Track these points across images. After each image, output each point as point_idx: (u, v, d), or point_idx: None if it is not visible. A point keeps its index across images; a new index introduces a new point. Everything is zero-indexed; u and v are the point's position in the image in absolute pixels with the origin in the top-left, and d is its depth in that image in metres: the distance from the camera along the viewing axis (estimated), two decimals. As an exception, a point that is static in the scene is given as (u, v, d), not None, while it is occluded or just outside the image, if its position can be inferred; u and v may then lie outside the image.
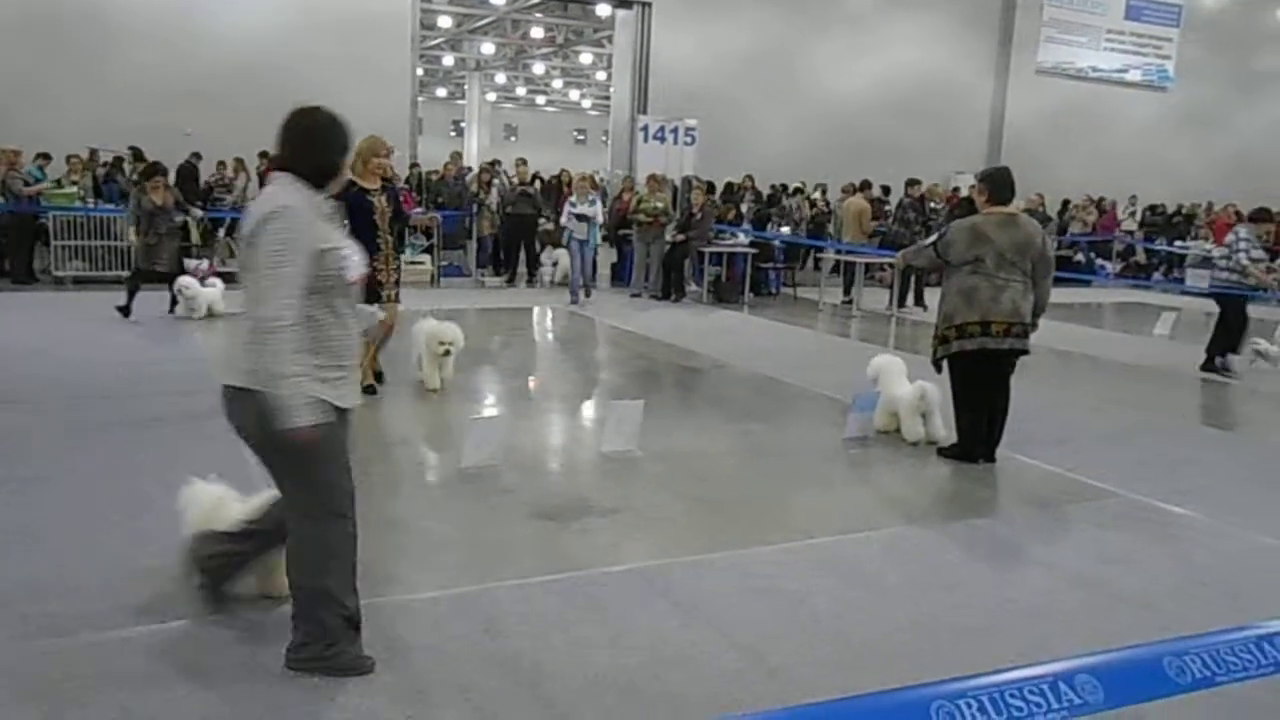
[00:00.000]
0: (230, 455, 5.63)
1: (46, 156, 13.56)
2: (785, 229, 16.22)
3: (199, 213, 12.82)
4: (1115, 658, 1.89)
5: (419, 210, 13.75)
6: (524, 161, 15.84)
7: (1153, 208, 21.47)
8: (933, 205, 14.89)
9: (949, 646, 3.63)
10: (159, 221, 10.05)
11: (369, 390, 6.96)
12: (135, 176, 13.20)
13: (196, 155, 15.19)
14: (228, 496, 3.74)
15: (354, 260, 3.10)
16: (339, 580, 3.13)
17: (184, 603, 3.63)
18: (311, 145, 3.05)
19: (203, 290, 10.36)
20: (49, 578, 3.84)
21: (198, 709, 2.98)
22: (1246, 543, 4.91)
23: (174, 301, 10.34)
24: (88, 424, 6.15)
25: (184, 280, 10.31)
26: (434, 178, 16.89)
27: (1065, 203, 20.55)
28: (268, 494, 3.43)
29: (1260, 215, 10.11)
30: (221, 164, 15.32)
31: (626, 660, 3.37)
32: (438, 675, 3.25)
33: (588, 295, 13.12)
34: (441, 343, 7.24)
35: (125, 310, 10.10)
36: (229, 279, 13.69)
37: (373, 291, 6.65)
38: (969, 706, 1.64)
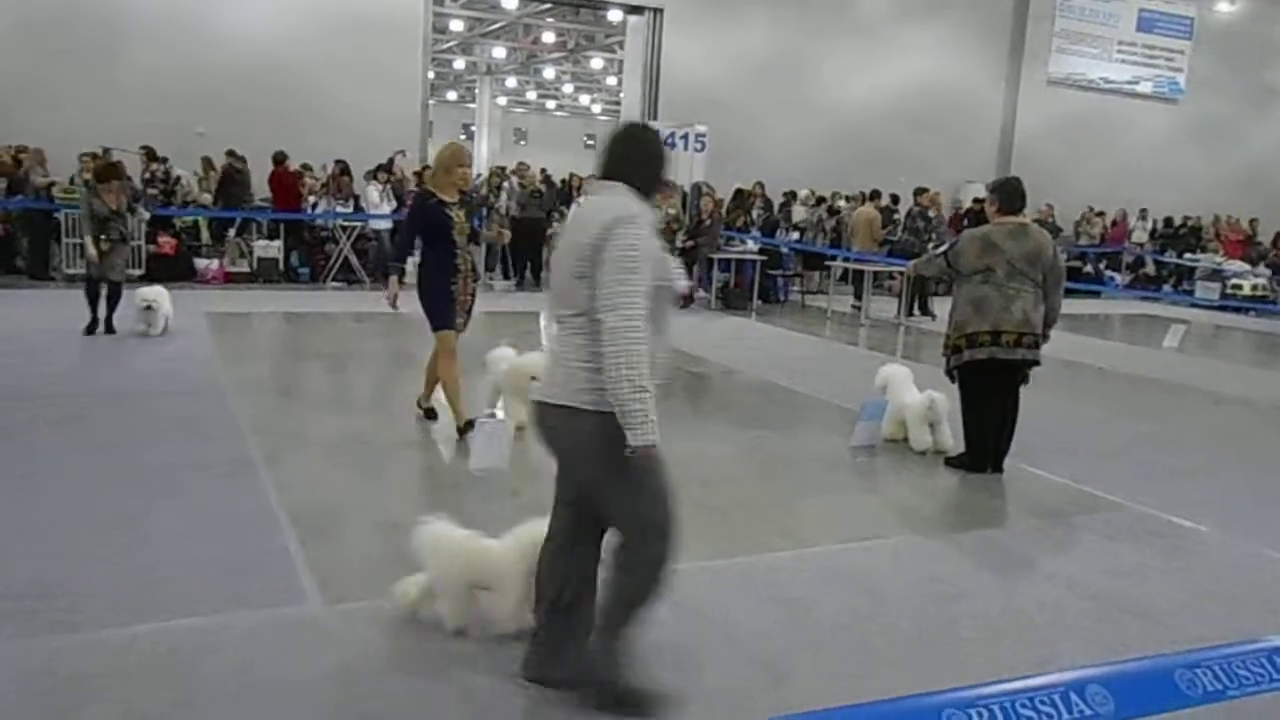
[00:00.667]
0: (231, 454, 5.70)
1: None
2: (794, 235, 16.20)
3: (145, 214, 12.57)
4: (1126, 669, 1.89)
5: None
6: (527, 166, 15.90)
7: (1168, 220, 21.44)
8: (930, 214, 14.87)
9: (956, 656, 3.61)
10: (111, 227, 9.12)
11: (430, 415, 6.60)
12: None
13: (239, 158, 14.71)
14: (476, 539, 3.33)
15: (679, 270, 3.12)
16: (644, 608, 3.08)
17: (188, 601, 3.64)
18: (648, 160, 3.11)
19: (165, 304, 9.31)
20: (54, 575, 3.85)
21: (201, 709, 2.98)
22: (1255, 557, 4.88)
23: (105, 320, 9.24)
24: (90, 422, 6.16)
25: (150, 293, 9.27)
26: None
27: (1084, 214, 20.55)
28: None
29: None
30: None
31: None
32: (439, 681, 3.24)
33: None
34: (534, 378, 6.46)
35: (95, 325, 9.18)
36: (234, 279, 13.91)
37: (449, 317, 6.10)
38: (980, 715, 1.64)
